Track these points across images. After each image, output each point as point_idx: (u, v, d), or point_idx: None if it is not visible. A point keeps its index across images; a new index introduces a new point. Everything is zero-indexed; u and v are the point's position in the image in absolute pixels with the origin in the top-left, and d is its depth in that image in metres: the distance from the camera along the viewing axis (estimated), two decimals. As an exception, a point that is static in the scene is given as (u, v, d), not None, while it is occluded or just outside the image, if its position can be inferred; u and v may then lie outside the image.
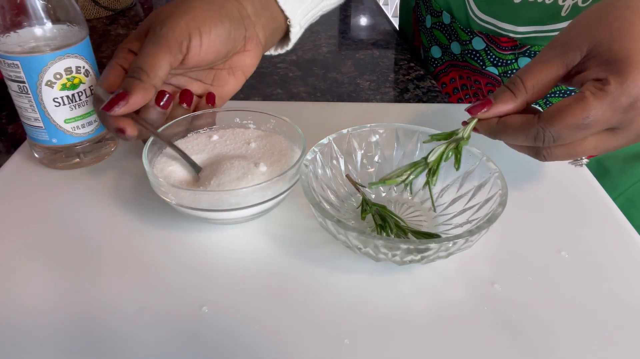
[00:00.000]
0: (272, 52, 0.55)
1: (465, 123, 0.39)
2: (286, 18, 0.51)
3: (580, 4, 0.55)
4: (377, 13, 0.98)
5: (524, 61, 0.63)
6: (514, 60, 0.63)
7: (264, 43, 0.50)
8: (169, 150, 0.46)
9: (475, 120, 0.38)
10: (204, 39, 0.43)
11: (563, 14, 0.56)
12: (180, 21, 0.42)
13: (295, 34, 0.53)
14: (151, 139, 0.43)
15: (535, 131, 0.35)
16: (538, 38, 0.60)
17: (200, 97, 0.48)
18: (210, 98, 0.48)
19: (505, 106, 0.37)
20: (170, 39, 0.42)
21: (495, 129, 0.38)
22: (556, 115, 0.34)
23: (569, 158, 0.37)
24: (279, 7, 0.50)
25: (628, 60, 0.33)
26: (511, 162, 0.46)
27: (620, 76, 0.33)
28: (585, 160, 0.40)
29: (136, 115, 0.42)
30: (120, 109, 0.40)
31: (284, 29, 0.52)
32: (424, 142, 0.42)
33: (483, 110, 0.38)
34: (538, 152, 0.37)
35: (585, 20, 0.36)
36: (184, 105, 0.46)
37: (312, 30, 0.88)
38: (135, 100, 0.40)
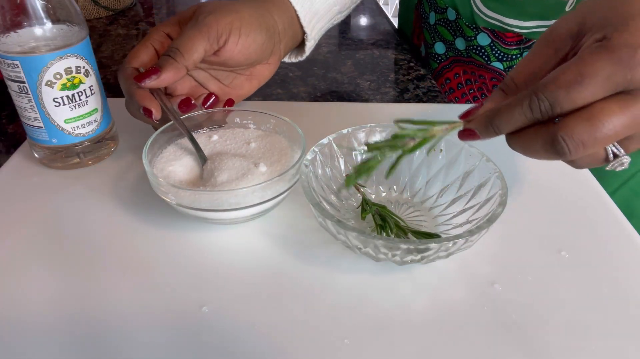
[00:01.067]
0: (285, 59, 0.57)
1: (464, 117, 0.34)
2: (304, 33, 0.54)
3: None
4: (377, 13, 0.98)
5: None
6: (519, 55, 0.64)
7: (282, 58, 0.54)
8: (169, 149, 0.46)
9: (461, 125, 0.34)
10: (242, 39, 0.46)
11: (567, 8, 0.57)
12: (226, 16, 0.45)
13: (310, 47, 0.56)
14: (151, 139, 0.43)
15: (528, 100, 0.29)
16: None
17: (214, 95, 0.51)
18: (229, 104, 0.50)
19: (493, 104, 0.33)
20: (212, 28, 0.44)
21: (487, 117, 0.32)
22: (549, 77, 0.29)
23: (599, 140, 0.29)
24: (301, 26, 0.53)
25: (627, 16, 0.29)
26: (511, 162, 0.46)
27: (618, 29, 0.29)
28: (627, 158, 0.31)
29: (164, 97, 0.45)
30: (152, 82, 0.43)
31: (300, 42, 0.56)
32: (396, 121, 0.35)
33: (474, 113, 0.33)
34: (552, 137, 0.29)
35: (579, 5, 0.33)
36: (203, 106, 0.49)
37: (312, 30, 0.88)
38: (166, 76, 0.43)
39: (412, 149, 0.33)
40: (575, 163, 0.32)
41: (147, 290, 0.38)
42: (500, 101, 0.33)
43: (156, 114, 0.43)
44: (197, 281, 0.38)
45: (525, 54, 0.63)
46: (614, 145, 0.31)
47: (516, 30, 0.62)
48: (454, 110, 0.60)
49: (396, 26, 0.92)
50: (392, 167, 0.33)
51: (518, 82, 0.33)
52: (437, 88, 0.69)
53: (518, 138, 0.32)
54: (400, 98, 0.67)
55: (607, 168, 0.33)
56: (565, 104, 0.28)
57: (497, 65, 0.66)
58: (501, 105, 0.31)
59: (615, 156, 0.31)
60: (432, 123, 0.33)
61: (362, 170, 0.33)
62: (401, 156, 0.33)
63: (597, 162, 0.32)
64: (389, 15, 1.00)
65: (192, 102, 0.47)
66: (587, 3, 0.32)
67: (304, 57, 0.57)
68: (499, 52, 0.65)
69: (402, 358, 0.33)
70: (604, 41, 0.28)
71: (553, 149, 0.29)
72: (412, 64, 0.76)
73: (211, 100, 0.49)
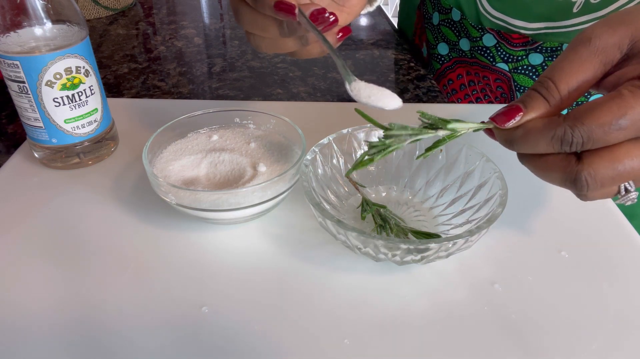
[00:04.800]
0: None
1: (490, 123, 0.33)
2: None
3: (592, 0, 0.55)
4: (377, 13, 0.98)
5: (534, 57, 0.63)
6: (524, 56, 0.64)
7: None
8: (169, 149, 0.46)
9: (490, 125, 0.33)
10: None
11: (575, 10, 0.56)
12: None
13: None
14: (151, 139, 0.43)
15: (561, 131, 0.28)
16: (549, 34, 0.60)
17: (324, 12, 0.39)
18: (345, 32, 0.40)
19: (535, 114, 0.31)
20: None
21: (514, 135, 0.31)
22: (587, 112, 0.28)
23: (616, 179, 0.29)
24: None
25: None
26: (511, 162, 0.46)
27: None
28: (636, 193, 0.31)
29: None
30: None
31: None
32: (422, 115, 0.36)
33: (513, 121, 0.31)
34: (575, 175, 0.29)
35: (618, 18, 0.31)
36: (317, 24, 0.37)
37: (312, 30, 0.88)
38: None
39: (434, 146, 0.34)
40: (586, 197, 0.31)
41: (147, 289, 0.38)
42: (541, 108, 0.31)
43: (295, 9, 0.34)
44: (197, 281, 0.38)
45: (531, 55, 0.63)
46: (627, 182, 0.30)
47: (522, 31, 0.62)
48: (454, 110, 0.60)
49: (396, 26, 0.92)
50: (428, 150, 0.34)
51: (561, 91, 0.31)
52: (437, 89, 0.69)
53: (536, 162, 0.31)
54: (400, 98, 0.67)
55: (616, 202, 0.32)
56: (598, 143, 0.28)
57: (502, 66, 0.66)
58: (528, 126, 0.30)
59: (627, 191, 0.31)
60: (458, 122, 0.33)
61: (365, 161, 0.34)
62: (431, 148, 0.34)
63: (608, 196, 0.31)
64: (389, 15, 1.00)
65: (326, 14, 0.36)
66: (636, 17, 0.31)
67: (373, 8, 0.51)
68: (504, 53, 0.65)
69: (402, 358, 0.33)
70: None
71: (572, 184, 0.30)
72: (412, 64, 0.76)
73: (332, 18, 0.36)
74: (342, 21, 0.40)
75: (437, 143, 0.34)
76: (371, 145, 0.35)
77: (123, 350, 0.34)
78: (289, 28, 0.36)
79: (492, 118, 0.32)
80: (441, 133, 0.34)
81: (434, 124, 0.34)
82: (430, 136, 0.34)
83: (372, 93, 0.36)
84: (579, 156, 0.29)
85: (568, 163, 0.29)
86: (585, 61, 0.30)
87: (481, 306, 0.37)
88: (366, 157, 0.35)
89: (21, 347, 0.34)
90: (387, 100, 0.35)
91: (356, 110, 0.36)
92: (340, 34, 0.38)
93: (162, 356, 0.33)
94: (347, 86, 0.37)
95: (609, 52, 0.30)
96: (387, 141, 0.34)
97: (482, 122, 0.33)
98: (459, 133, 0.34)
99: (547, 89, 0.31)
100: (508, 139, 0.32)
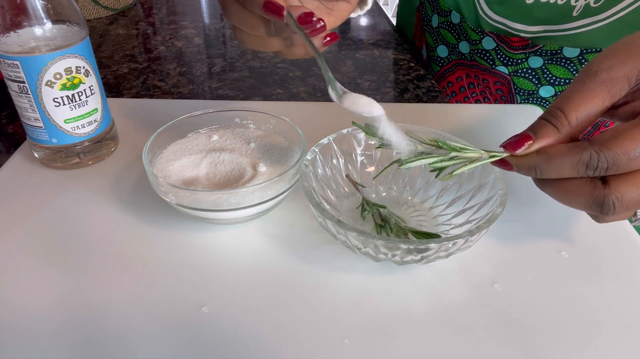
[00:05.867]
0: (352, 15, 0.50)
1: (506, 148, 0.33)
2: None
3: (592, 4, 0.55)
4: (377, 13, 0.98)
5: (534, 60, 0.63)
6: (524, 60, 0.64)
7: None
8: (169, 149, 0.46)
9: (504, 155, 0.33)
10: None
11: (575, 13, 0.57)
12: None
13: None
14: (151, 139, 0.43)
15: (587, 155, 0.29)
16: (549, 37, 0.60)
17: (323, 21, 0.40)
18: (333, 38, 0.40)
19: (547, 142, 0.32)
20: None
21: (536, 160, 0.31)
22: (613, 138, 0.29)
23: (639, 203, 0.30)
24: None
25: None
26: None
27: None
28: None
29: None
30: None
31: None
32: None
33: (523, 147, 0.32)
34: (603, 198, 0.30)
35: (626, 49, 0.32)
36: (305, 27, 0.37)
37: (312, 30, 0.88)
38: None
39: (448, 171, 0.34)
40: (604, 220, 0.32)
41: (147, 289, 0.38)
42: (552, 136, 0.31)
43: (283, 11, 0.34)
44: (197, 281, 0.38)
45: (530, 58, 0.63)
46: None
47: (522, 34, 0.62)
48: (454, 110, 0.60)
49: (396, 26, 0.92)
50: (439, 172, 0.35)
51: (570, 119, 0.31)
52: (437, 89, 0.69)
53: (560, 188, 0.31)
54: (400, 98, 0.67)
55: (632, 224, 0.33)
56: (622, 169, 0.29)
57: (502, 69, 0.66)
58: (551, 150, 0.31)
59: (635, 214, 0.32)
60: (473, 151, 0.34)
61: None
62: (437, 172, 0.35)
63: (624, 218, 0.32)
64: (389, 15, 1.00)
65: (314, 19, 0.36)
66: None
67: (364, 12, 0.50)
68: (504, 56, 0.65)
69: (402, 358, 0.33)
70: None
71: (599, 207, 0.30)
72: (412, 64, 0.76)
73: (320, 24, 0.37)
74: (330, 25, 0.41)
75: (452, 171, 0.34)
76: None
77: (123, 350, 0.34)
78: (276, 28, 0.37)
79: (503, 146, 0.33)
80: (453, 161, 0.34)
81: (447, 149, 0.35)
82: (439, 158, 0.35)
83: (355, 101, 0.36)
84: (603, 180, 0.30)
85: (594, 187, 0.30)
86: (593, 92, 0.31)
87: (481, 306, 0.37)
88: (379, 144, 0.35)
89: (21, 347, 0.34)
90: (368, 107, 0.36)
91: (353, 123, 0.36)
92: (328, 39, 0.39)
93: (162, 356, 0.33)
94: (330, 91, 0.37)
95: (616, 84, 0.31)
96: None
97: (490, 153, 0.34)
98: (473, 164, 0.34)
99: (556, 118, 0.31)
100: (531, 165, 0.32)
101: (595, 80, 0.31)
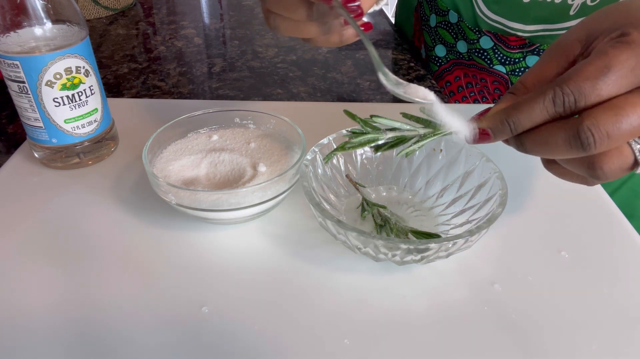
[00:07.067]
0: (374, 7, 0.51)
1: (476, 118, 0.33)
2: None
3: (589, 3, 0.55)
4: (377, 13, 0.98)
5: (532, 59, 0.63)
6: (521, 59, 0.64)
7: None
8: (169, 149, 0.46)
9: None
10: None
11: (571, 12, 0.57)
12: None
13: None
14: (151, 139, 0.43)
15: (551, 92, 0.29)
16: (546, 36, 0.60)
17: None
18: (367, 27, 0.40)
19: (505, 105, 0.32)
20: None
21: (504, 113, 0.31)
22: (573, 71, 0.29)
23: (624, 132, 0.28)
24: None
25: None
26: (511, 162, 0.46)
27: (637, 28, 0.28)
28: None
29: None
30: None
31: None
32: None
33: (484, 115, 0.33)
34: (577, 128, 0.28)
35: (581, 22, 0.33)
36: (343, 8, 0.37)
37: (312, 30, 0.88)
38: None
39: (413, 145, 0.34)
40: (603, 170, 0.30)
41: (147, 289, 0.38)
42: (511, 102, 0.31)
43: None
44: (197, 281, 0.38)
45: (528, 57, 0.63)
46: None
47: (519, 33, 0.62)
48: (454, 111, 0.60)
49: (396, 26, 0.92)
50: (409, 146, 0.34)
51: (527, 85, 0.32)
52: (437, 88, 0.69)
53: (536, 135, 0.30)
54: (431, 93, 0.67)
55: (638, 172, 0.31)
56: (590, 97, 0.28)
57: (500, 68, 0.66)
58: (518, 101, 0.30)
59: None
60: (436, 124, 0.34)
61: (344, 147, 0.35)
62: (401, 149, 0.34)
63: (626, 164, 0.30)
64: (389, 15, 1.00)
65: (357, 3, 0.36)
66: (593, 15, 0.32)
67: (380, 6, 0.51)
68: (501, 55, 0.65)
69: (402, 358, 0.33)
70: (623, 37, 0.28)
71: (577, 142, 0.28)
72: (412, 64, 0.76)
73: (360, 10, 0.36)
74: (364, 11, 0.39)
75: (420, 140, 0.34)
76: (353, 132, 0.35)
77: (123, 350, 0.34)
78: (318, 12, 0.36)
79: (470, 119, 0.33)
80: (422, 131, 0.34)
81: (417, 122, 0.35)
82: (411, 134, 0.35)
83: (409, 90, 0.36)
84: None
85: (567, 121, 0.29)
86: (548, 61, 0.32)
87: (481, 306, 0.37)
88: (346, 145, 0.35)
89: (21, 347, 0.34)
90: (423, 93, 0.35)
91: (345, 111, 0.36)
92: (363, 28, 0.38)
93: (162, 356, 0.33)
94: (381, 77, 0.36)
95: (569, 47, 0.31)
96: (369, 129, 0.35)
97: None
98: (441, 132, 0.34)
99: (515, 87, 0.32)
100: (502, 119, 0.31)
101: (549, 51, 0.32)
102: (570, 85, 0.28)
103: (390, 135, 0.35)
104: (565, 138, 0.29)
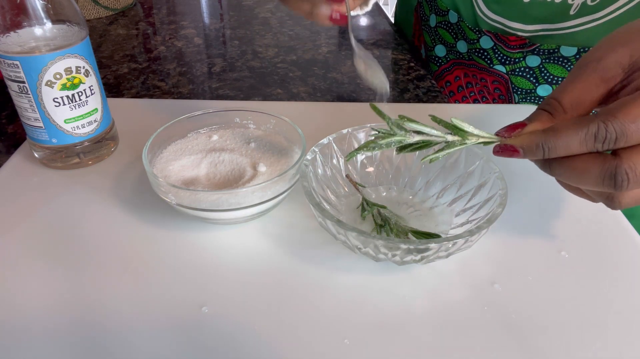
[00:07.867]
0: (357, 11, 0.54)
1: (505, 133, 0.32)
2: None
3: (589, 2, 0.55)
4: (377, 13, 0.98)
5: (531, 59, 0.63)
6: (522, 59, 0.64)
7: None
8: (169, 149, 0.46)
9: (497, 140, 0.33)
10: None
11: (572, 12, 0.57)
12: None
13: None
14: (151, 139, 0.43)
15: (595, 126, 0.28)
16: (547, 36, 0.60)
17: None
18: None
19: (540, 126, 0.31)
20: None
21: (543, 137, 0.30)
22: (619, 107, 0.28)
23: None
24: None
25: None
26: (511, 162, 0.46)
27: None
28: None
29: None
30: None
31: None
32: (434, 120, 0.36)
33: (517, 131, 0.32)
34: (615, 168, 0.28)
35: (617, 36, 0.32)
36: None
37: (312, 30, 0.88)
38: None
39: (438, 152, 0.34)
40: (621, 204, 0.31)
41: (147, 289, 0.38)
42: (547, 123, 0.31)
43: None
44: (197, 281, 0.38)
45: (528, 57, 0.63)
46: None
47: (519, 33, 0.62)
48: (453, 110, 0.60)
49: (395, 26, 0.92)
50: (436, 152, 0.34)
51: (564, 105, 0.31)
52: (437, 88, 0.69)
53: (570, 163, 0.30)
54: (400, 98, 0.67)
55: None
56: (632, 139, 0.28)
57: (500, 68, 0.66)
58: (556, 126, 0.30)
59: None
60: (465, 131, 0.33)
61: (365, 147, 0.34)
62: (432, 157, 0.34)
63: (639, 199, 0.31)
64: (389, 15, 1.00)
65: None
66: (634, 33, 0.32)
67: (369, 8, 0.53)
68: (501, 55, 0.65)
69: (402, 358, 0.33)
70: None
71: (611, 181, 0.29)
72: (412, 64, 0.76)
73: None
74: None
75: (446, 147, 0.34)
76: (379, 134, 0.35)
77: (123, 350, 0.34)
78: None
79: (497, 133, 0.32)
80: (450, 138, 0.33)
81: (446, 127, 0.34)
82: (438, 140, 0.34)
83: (369, 68, 0.39)
84: (614, 153, 0.29)
85: (605, 159, 0.29)
86: (586, 79, 0.31)
87: (481, 306, 0.37)
88: (371, 144, 0.35)
89: (21, 347, 0.34)
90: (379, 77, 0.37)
91: (371, 106, 0.36)
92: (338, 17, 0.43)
93: (162, 356, 0.33)
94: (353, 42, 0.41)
95: (609, 71, 0.31)
96: (396, 131, 0.34)
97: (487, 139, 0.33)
98: (469, 142, 0.33)
99: (550, 105, 0.31)
100: (538, 143, 0.30)
101: (587, 70, 0.31)
102: (615, 123, 0.28)
103: (417, 138, 0.34)
104: (599, 175, 0.29)
